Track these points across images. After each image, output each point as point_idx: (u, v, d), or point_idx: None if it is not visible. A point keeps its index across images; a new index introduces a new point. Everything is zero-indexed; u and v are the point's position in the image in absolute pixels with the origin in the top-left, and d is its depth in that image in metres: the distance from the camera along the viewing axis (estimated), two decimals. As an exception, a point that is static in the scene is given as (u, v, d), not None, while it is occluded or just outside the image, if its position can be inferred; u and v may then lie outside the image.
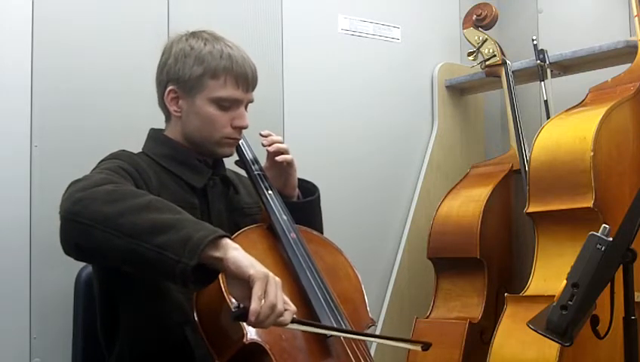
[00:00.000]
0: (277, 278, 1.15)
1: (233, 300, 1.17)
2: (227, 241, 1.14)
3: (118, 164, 1.41)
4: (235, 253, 1.13)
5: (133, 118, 1.91)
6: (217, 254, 1.13)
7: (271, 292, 1.12)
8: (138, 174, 1.42)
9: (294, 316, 1.17)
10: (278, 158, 1.58)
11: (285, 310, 1.15)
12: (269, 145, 1.59)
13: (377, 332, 2.39)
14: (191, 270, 1.10)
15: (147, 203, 1.18)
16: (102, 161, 1.46)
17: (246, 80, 1.52)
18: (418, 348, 1.41)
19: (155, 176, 1.47)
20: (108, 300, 1.47)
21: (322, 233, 1.64)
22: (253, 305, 1.10)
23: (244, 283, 1.13)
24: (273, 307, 1.12)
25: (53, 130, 1.84)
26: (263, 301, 1.11)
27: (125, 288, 1.42)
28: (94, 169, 1.42)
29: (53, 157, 1.83)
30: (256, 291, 1.11)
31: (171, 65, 1.51)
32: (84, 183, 1.25)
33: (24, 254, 1.79)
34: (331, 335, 1.33)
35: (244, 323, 1.14)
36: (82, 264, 1.73)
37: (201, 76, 1.48)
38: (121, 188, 1.23)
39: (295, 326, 1.19)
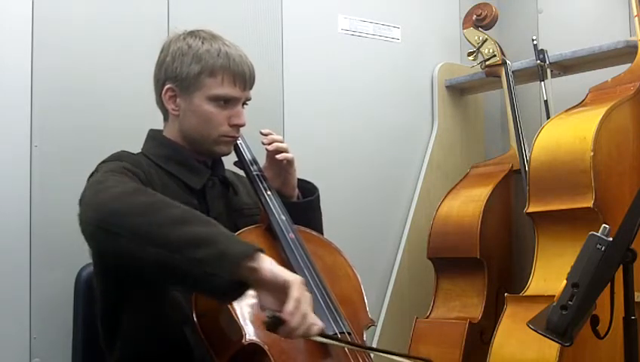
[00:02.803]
0: (309, 294, 1.17)
1: (266, 312, 1.16)
2: (261, 255, 1.16)
3: (123, 165, 1.40)
4: (269, 263, 1.15)
5: (133, 118, 1.90)
6: (252, 265, 1.14)
7: (305, 300, 1.14)
8: (144, 175, 1.42)
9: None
10: (279, 156, 1.58)
11: (314, 324, 1.16)
12: (269, 144, 1.59)
13: (377, 332, 2.40)
14: (227, 283, 1.12)
15: (181, 215, 1.18)
16: (103, 162, 1.45)
17: (243, 78, 1.52)
18: None
19: (157, 177, 1.47)
20: (110, 301, 1.47)
21: (322, 234, 1.64)
22: (290, 307, 1.11)
23: (277, 291, 1.14)
24: (305, 315, 1.13)
25: (53, 130, 1.84)
26: (297, 306, 1.12)
27: (127, 288, 1.42)
28: (97, 171, 1.41)
29: (53, 157, 1.83)
30: (294, 293, 1.12)
31: (169, 64, 1.52)
32: (113, 191, 1.23)
33: (24, 254, 1.79)
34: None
35: (276, 332, 1.14)
36: (82, 264, 1.73)
37: (198, 74, 1.49)
38: (154, 198, 1.23)
39: (319, 339, 1.20)
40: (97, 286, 1.50)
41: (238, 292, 1.15)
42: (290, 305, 1.11)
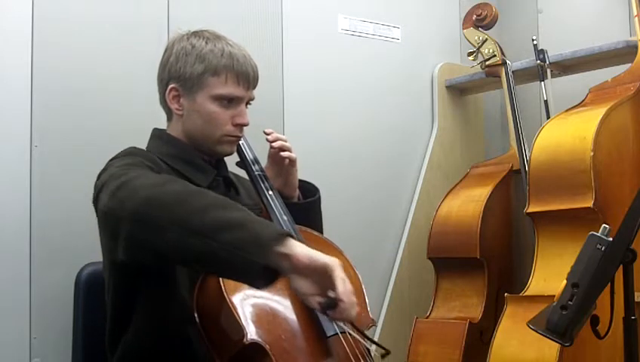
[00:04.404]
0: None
1: (318, 299, 1.16)
2: (292, 240, 1.14)
3: (140, 160, 1.40)
4: (302, 248, 1.13)
5: (133, 118, 1.90)
6: (284, 251, 1.12)
7: (347, 279, 1.14)
8: (158, 170, 1.42)
9: None
10: (283, 154, 1.59)
11: (356, 304, 1.17)
12: (274, 141, 1.59)
13: (377, 332, 2.40)
14: (262, 268, 1.11)
15: (214, 200, 1.18)
16: (115, 158, 1.44)
17: (247, 78, 1.52)
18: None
19: (168, 173, 1.47)
20: (122, 299, 1.45)
21: (322, 234, 1.64)
22: (341, 287, 1.12)
23: (314, 276, 1.13)
24: (352, 292, 1.14)
25: (53, 130, 1.84)
26: (346, 286, 1.12)
27: (139, 286, 1.42)
28: (109, 167, 1.39)
29: (53, 157, 1.83)
30: (339, 274, 1.13)
31: (173, 64, 1.52)
32: (145, 181, 1.22)
33: (24, 254, 1.78)
34: (331, 336, 1.33)
35: (326, 313, 1.16)
36: (82, 264, 1.74)
37: (202, 74, 1.49)
38: (187, 188, 1.22)
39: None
40: (109, 284, 1.49)
41: (271, 279, 1.14)
42: (340, 286, 1.12)
